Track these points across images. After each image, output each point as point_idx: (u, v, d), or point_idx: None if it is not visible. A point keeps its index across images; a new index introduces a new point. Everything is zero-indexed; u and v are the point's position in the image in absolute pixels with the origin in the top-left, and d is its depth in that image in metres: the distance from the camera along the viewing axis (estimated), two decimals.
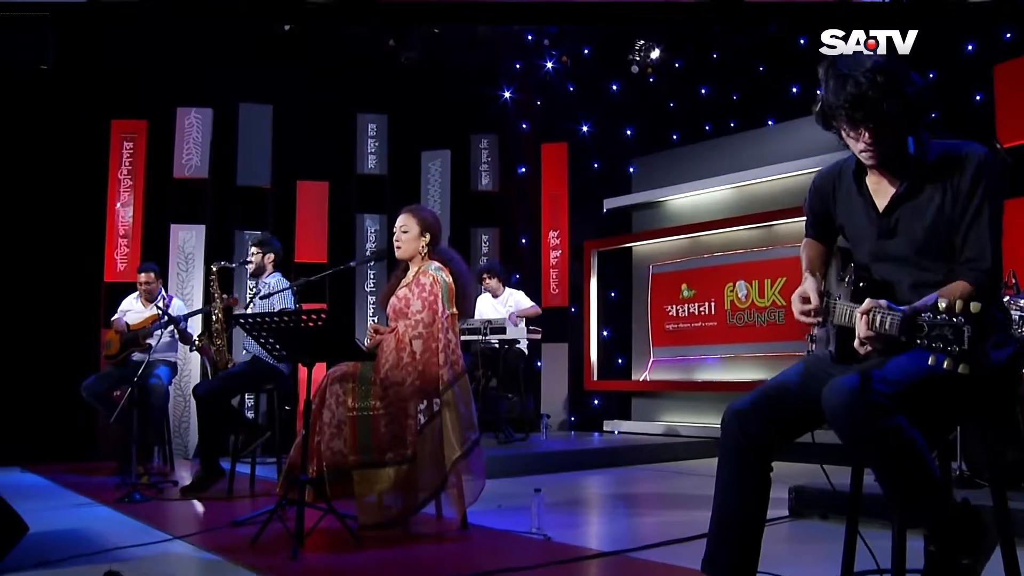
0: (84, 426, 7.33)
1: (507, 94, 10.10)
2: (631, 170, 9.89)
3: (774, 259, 8.11)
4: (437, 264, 4.54)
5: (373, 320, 8.81)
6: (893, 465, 2.13)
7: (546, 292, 9.86)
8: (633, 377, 9.41)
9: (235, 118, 8.59)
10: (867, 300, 2.18)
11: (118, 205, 8.13)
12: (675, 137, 9.79)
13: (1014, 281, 5.00)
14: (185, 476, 6.42)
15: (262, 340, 4.09)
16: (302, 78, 8.65)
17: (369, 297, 9.06)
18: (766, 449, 2.43)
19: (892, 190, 2.45)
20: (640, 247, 9.55)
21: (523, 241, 10.34)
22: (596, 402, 9.93)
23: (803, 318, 2.53)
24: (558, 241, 9.92)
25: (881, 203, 2.46)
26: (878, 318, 2.12)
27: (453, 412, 4.32)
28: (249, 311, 5.89)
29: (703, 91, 9.54)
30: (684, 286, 8.91)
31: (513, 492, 5.91)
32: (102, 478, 6.32)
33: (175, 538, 4.16)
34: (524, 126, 10.32)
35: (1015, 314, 4.74)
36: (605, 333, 9.90)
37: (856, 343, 2.21)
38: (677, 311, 8.97)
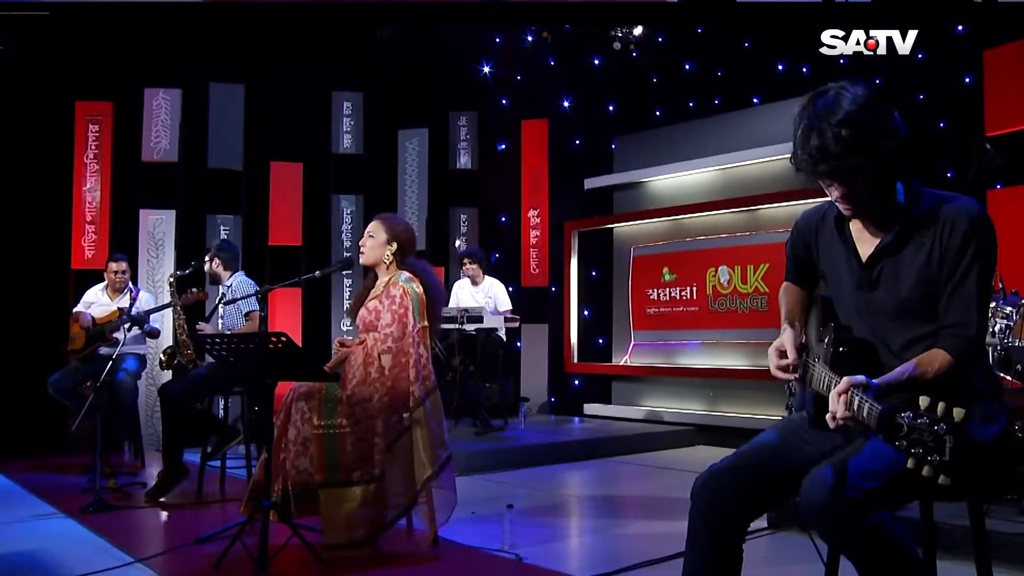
0: (54, 420, 7.14)
1: (486, 69, 9.86)
2: (613, 146, 9.70)
3: (757, 244, 7.97)
4: (408, 275, 4.38)
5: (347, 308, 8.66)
6: (875, 562, 2.01)
7: (526, 272, 9.73)
8: (614, 360, 9.30)
9: (205, 98, 8.32)
10: (844, 380, 2.03)
11: (85, 190, 7.89)
12: (658, 114, 9.59)
13: (1000, 286, 4.87)
14: (155, 471, 6.29)
15: (221, 356, 3.95)
16: (274, 56, 8.39)
17: (346, 281, 8.88)
18: (738, 520, 2.30)
19: (876, 239, 2.29)
20: (621, 228, 9.39)
21: (503, 220, 10.17)
22: (576, 383, 9.83)
23: (779, 373, 2.40)
24: (538, 220, 9.76)
25: (864, 251, 2.32)
26: (855, 401, 1.98)
27: (424, 430, 4.19)
28: (217, 317, 5.76)
29: (687, 67, 9.34)
30: (666, 270, 8.77)
31: (488, 493, 5.84)
32: (71, 477, 6.17)
33: (136, 561, 4.04)
34: (504, 102, 10.09)
35: (1000, 322, 4.63)
36: (586, 313, 9.79)
37: (829, 418, 2.07)
38: (658, 295, 8.84)
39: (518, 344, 9.43)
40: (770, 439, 2.38)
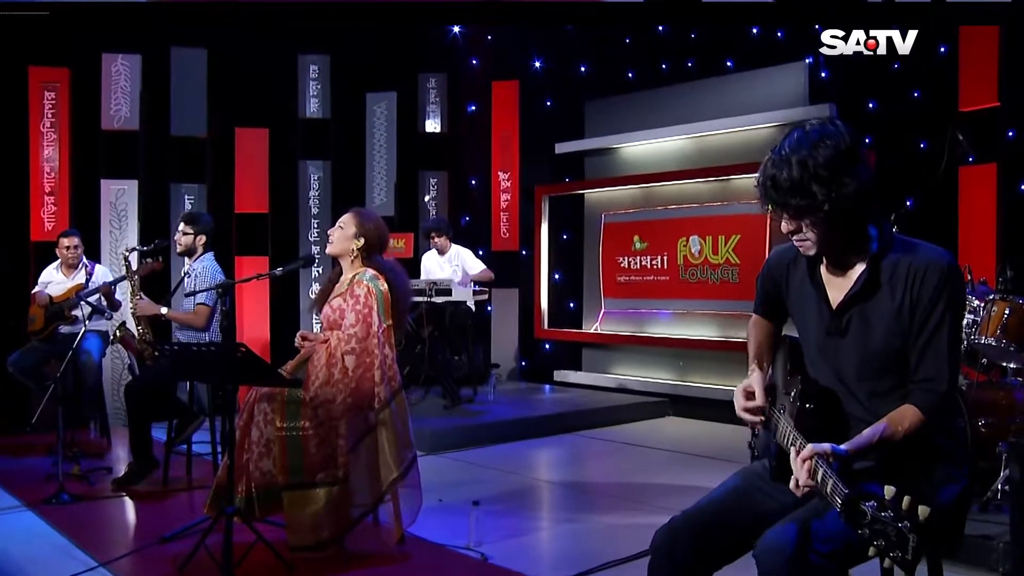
0: (17, 397, 7.01)
1: (456, 29, 9.64)
2: (585, 110, 9.56)
3: (729, 215, 7.92)
4: (372, 273, 4.30)
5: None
6: None
7: (496, 236, 9.65)
8: (584, 328, 9.29)
9: (167, 64, 8.06)
10: (808, 447, 2.01)
11: (42, 159, 7.65)
12: (630, 75, 9.45)
13: (969, 277, 4.86)
14: (122, 451, 6.24)
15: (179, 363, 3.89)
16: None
17: (316, 265, 8.71)
18: (697, 573, 2.28)
19: (847, 284, 2.25)
20: (592, 194, 9.31)
21: (473, 183, 10.04)
22: (547, 347, 9.83)
23: (745, 415, 2.37)
24: (509, 184, 9.66)
25: (835, 298, 2.27)
26: (819, 473, 1.96)
27: (390, 431, 4.16)
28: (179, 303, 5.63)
29: (659, 28, 9.18)
30: (636, 238, 8.72)
31: (456, 477, 5.86)
32: (34, 460, 6.09)
33: (99, 565, 3.99)
34: (474, 62, 9.90)
35: (967, 316, 4.63)
36: (556, 277, 9.75)
37: (793, 484, 2.05)
38: (629, 263, 8.79)
39: (488, 308, 9.37)
40: (731, 490, 2.35)
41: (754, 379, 2.39)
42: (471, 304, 7.81)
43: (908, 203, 6.89)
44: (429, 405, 7.51)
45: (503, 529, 4.61)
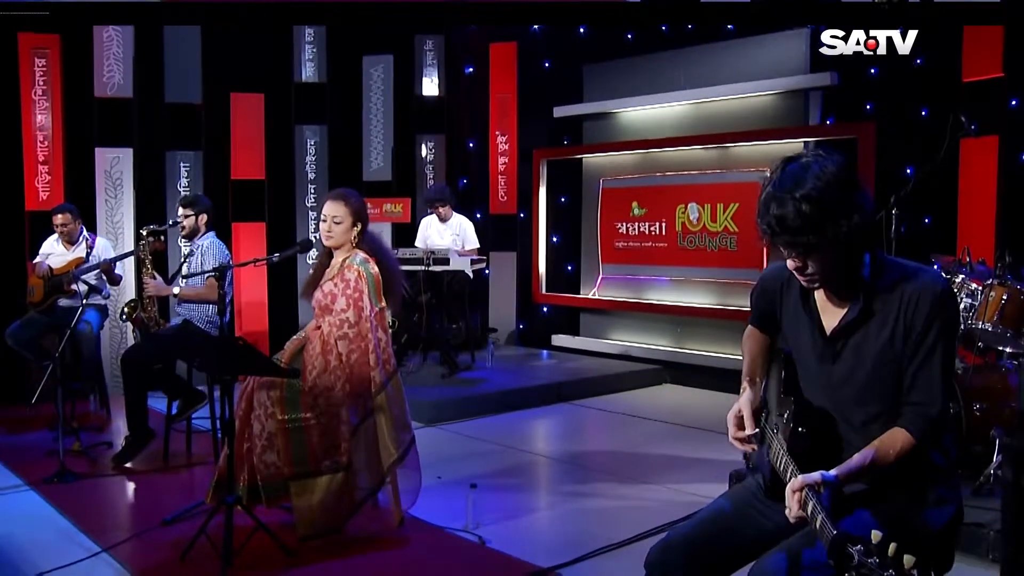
0: (16, 370, 7.03)
1: None
2: (584, 73, 9.45)
3: (728, 183, 7.88)
4: (363, 256, 4.28)
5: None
6: None
7: (494, 199, 9.61)
8: (582, 293, 9.30)
9: (159, 30, 7.93)
10: (799, 478, 2.02)
11: (35, 128, 7.56)
12: (629, 38, 9.32)
13: (968, 259, 4.85)
14: (121, 424, 6.25)
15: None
16: None
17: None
18: None
19: (841, 311, 2.24)
20: (591, 159, 9.25)
21: (470, 146, 9.97)
22: (545, 310, 9.84)
23: (736, 444, 2.38)
24: (507, 146, 9.59)
25: (828, 323, 2.26)
26: (809, 505, 1.97)
27: (387, 415, 4.19)
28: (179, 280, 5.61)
29: None
30: (635, 204, 8.68)
31: (455, 451, 5.91)
32: (35, 435, 6.11)
33: (102, 550, 4.03)
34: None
35: (965, 300, 4.63)
36: (555, 239, 9.72)
37: (788, 513, 2.07)
38: (627, 229, 8.77)
39: (486, 272, 9.35)
40: (725, 509, 2.37)
41: (744, 402, 2.39)
42: (469, 273, 7.80)
43: (908, 171, 6.87)
44: (426, 374, 7.53)
45: (501, 510, 4.64)
